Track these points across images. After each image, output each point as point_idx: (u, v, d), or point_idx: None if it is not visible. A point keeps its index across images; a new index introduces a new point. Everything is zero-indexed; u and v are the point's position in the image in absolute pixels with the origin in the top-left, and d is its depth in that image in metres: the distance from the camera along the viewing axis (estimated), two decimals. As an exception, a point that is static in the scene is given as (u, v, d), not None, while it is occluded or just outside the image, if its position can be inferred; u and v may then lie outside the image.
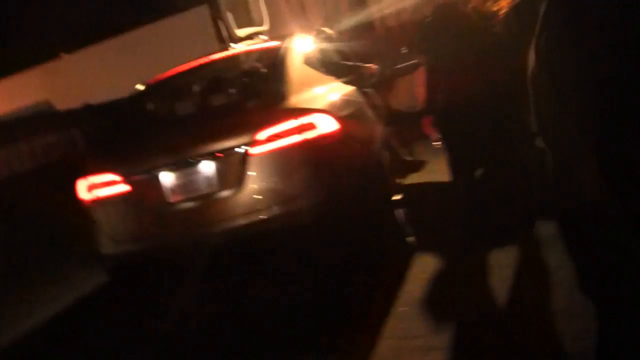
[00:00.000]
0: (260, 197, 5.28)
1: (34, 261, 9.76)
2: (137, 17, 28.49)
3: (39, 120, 24.88)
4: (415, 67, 7.71)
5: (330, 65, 6.85)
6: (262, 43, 6.99)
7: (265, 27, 7.46)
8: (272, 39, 7.28)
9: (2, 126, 24.93)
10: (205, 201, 5.42)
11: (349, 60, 7.34)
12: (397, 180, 6.92)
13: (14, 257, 10.45)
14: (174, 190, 5.45)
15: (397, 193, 6.35)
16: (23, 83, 33.06)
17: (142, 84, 6.71)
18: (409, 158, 7.98)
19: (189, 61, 6.85)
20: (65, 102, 30.04)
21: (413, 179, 7.85)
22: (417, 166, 7.91)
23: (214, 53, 6.95)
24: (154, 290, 5.84)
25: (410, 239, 6.10)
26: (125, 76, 29.60)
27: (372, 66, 7.06)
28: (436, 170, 7.54)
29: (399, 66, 7.82)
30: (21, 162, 19.13)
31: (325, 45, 7.22)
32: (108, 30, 29.55)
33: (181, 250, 5.59)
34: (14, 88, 33.15)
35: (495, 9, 6.42)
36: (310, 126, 5.26)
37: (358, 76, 6.86)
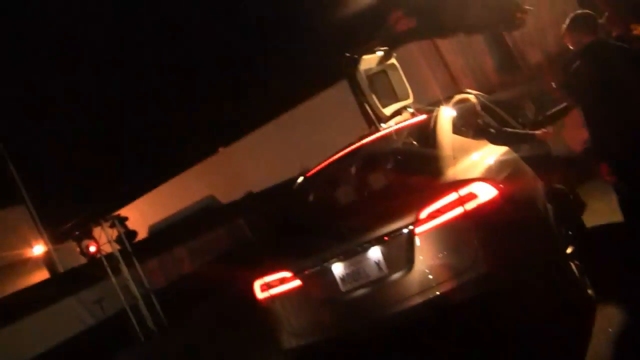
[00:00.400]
0: (431, 274, 5.22)
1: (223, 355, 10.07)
2: (282, 103, 29.65)
3: (206, 215, 26.16)
4: (566, 111, 7.47)
5: (481, 129, 6.78)
6: (409, 117, 7.01)
7: (410, 100, 7.49)
8: (418, 109, 7.29)
9: (175, 225, 26.36)
10: (378, 286, 5.41)
11: (499, 118, 7.21)
12: (568, 231, 6.65)
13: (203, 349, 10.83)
14: (345, 279, 5.49)
15: (569, 245, 6.09)
16: (188, 182, 34.90)
17: (302, 175, 6.88)
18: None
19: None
20: (228, 193, 31.40)
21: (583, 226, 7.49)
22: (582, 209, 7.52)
23: (365, 135, 7.03)
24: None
25: (590, 291, 5.80)
26: (281, 159, 30.67)
27: (540, 132, 6.90)
28: (606, 212, 7.18)
29: (551, 112, 7.61)
30: (196, 257, 20.07)
31: (473, 108, 7.15)
32: (256, 119, 30.91)
33: (359, 337, 5.60)
34: (180, 187, 35.01)
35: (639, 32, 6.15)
36: (470, 196, 5.19)
37: (513, 137, 6.75)
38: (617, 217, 6.27)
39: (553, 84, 7.73)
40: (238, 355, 9.59)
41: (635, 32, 6.29)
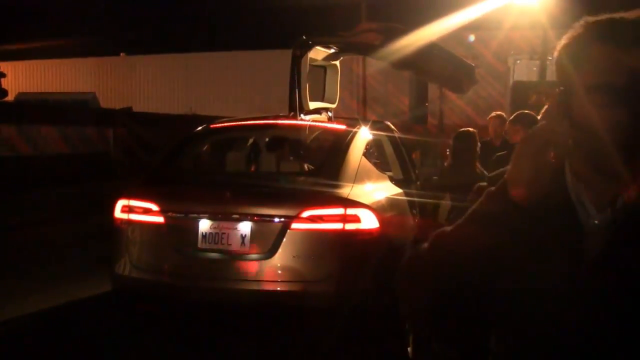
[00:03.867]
0: (285, 270, 5.36)
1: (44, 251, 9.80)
2: (207, 42, 29.10)
3: (80, 109, 25.29)
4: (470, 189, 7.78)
5: (386, 162, 7.00)
6: (326, 120, 7.11)
7: (333, 106, 7.59)
8: (336, 117, 7.39)
9: (45, 104, 25.34)
10: (233, 257, 5.49)
11: (404, 159, 7.44)
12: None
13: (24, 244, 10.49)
14: (206, 237, 5.52)
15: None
16: (77, 68, 33.70)
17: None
18: None
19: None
20: (110, 99, 30.54)
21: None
22: None
23: (281, 116, 7.08)
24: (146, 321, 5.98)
25: (409, 349, 6.11)
26: (174, 92, 30.02)
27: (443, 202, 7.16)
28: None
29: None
30: (50, 144, 19.31)
31: (385, 140, 7.35)
32: (177, 45, 30.21)
33: (192, 295, 5.65)
34: (68, 70, 33.75)
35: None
36: (354, 218, 5.38)
37: (408, 179, 7.03)
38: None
39: (448, 151, 8.01)
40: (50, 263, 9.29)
41: None
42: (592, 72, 1.34)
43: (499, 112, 8.52)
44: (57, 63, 33.82)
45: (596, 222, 1.38)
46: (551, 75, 13.30)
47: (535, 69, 15.29)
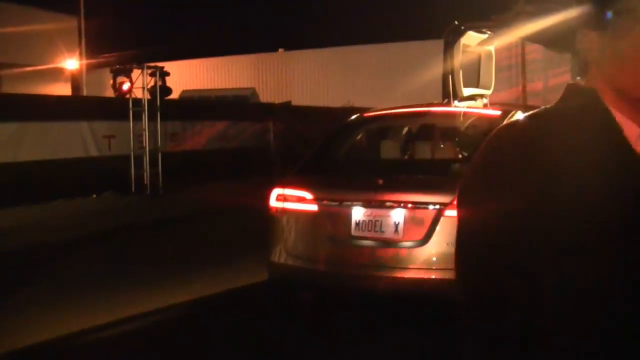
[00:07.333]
0: (439, 257, 5.26)
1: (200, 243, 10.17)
2: (366, 35, 29.42)
3: (241, 105, 26.16)
4: None
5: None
6: (481, 107, 6.94)
7: (489, 92, 7.38)
8: (493, 104, 7.20)
9: (207, 100, 26.39)
10: (386, 245, 5.47)
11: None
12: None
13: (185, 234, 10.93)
14: (359, 225, 5.53)
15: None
16: (238, 65, 34.87)
17: (359, 116, 6.86)
18: None
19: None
20: (267, 93, 31.39)
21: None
22: None
23: (435, 104, 6.99)
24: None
25: None
26: (331, 86, 30.35)
27: None
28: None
29: None
30: (213, 139, 20.08)
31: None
32: (332, 39, 30.71)
33: (346, 283, 5.67)
34: (228, 67, 34.99)
35: None
36: None
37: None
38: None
39: None
40: (215, 249, 9.59)
41: None
42: None
43: None
44: (218, 61, 35.18)
45: None
46: None
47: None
